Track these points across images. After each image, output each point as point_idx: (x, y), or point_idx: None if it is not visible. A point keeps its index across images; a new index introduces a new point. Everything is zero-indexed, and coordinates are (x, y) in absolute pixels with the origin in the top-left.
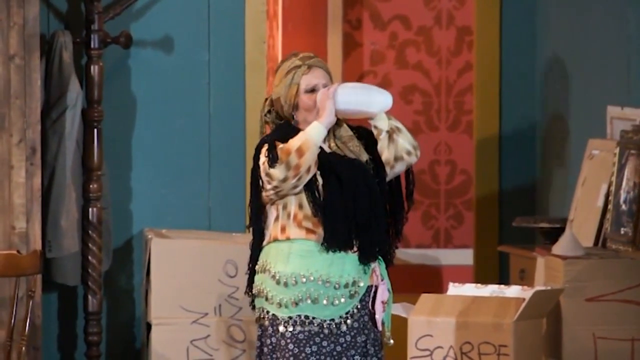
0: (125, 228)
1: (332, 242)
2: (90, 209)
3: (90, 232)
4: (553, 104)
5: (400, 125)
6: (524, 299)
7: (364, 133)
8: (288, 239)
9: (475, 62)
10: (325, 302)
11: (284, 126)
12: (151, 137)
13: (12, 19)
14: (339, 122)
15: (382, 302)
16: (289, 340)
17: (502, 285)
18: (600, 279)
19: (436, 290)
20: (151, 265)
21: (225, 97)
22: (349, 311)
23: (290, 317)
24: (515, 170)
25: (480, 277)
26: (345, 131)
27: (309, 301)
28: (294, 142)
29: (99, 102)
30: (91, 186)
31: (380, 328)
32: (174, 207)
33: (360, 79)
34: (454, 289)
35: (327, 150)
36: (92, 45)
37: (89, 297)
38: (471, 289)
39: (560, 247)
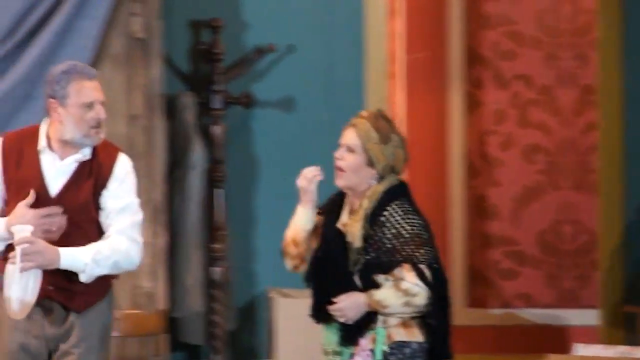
0: (248, 287)
1: (311, 314)
2: (214, 269)
3: (214, 291)
4: None
5: (387, 307)
6: None
7: (381, 225)
8: None
9: (599, 121)
10: None
11: None
12: (273, 196)
13: (135, 80)
14: (369, 196)
15: None
16: None
17: (631, 347)
18: None
19: (561, 351)
20: (275, 325)
21: None
22: None
23: None
24: None
25: (607, 337)
26: (364, 210)
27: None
28: (288, 232)
29: (221, 162)
30: (215, 245)
31: None
32: None
33: (482, 137)
34: (581, 350)
35: (340, 222)
36: (214, 106)
37: (214, 356)
38: (598, 350)
39: None
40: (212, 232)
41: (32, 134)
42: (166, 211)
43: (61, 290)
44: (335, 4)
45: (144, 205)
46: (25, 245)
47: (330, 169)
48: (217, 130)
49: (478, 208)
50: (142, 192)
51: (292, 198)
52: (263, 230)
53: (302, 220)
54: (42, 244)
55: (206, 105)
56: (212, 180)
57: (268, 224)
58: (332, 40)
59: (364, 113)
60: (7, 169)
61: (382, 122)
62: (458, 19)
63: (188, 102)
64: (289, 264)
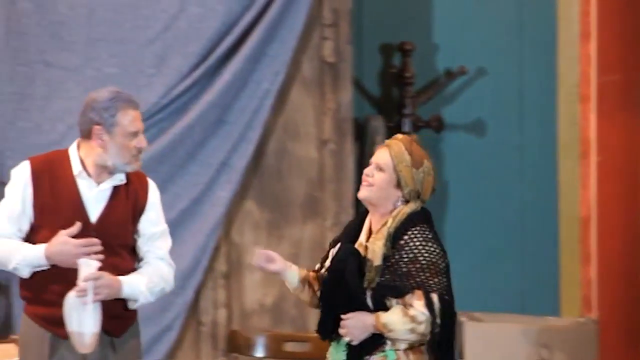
0: None
1: (317, 329)
2: None
3: None
4: None
5: (392, 331)
6: None
7: (400, 248)
8: None
9: None
10: None
11: None
12: (463, 220)
13: (326, 105)
14: (394, 216)
15: None
16: None
17: None
18: None
19: None
20: (465, 348)
21: (538, 180)
22: None
23: None
24: None
25: None
26: (387, 229)
27: None
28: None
29: None
30: None
31: None
32: (487, 289)
33: None
34: None
35: (359, 242)
36: (404, 129)
37: None
38: None
39: None
40: None
41: (62, 158)
42: None
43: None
44: (528, 26)
45: (334, 228)
46: (95, 280)
47: (517, 193)
48: None
49: None
50: (332, 215)
51: (480, 221)
52: (452, 253)
53: (290, 282)
54: (109, 277)
55: (396, 129)
56: None
57: (457, 247)
58: (523, 62)
59: (399, 136)
60: (39, 193)
61: (416, 147)
62: None
63: (378, 126)
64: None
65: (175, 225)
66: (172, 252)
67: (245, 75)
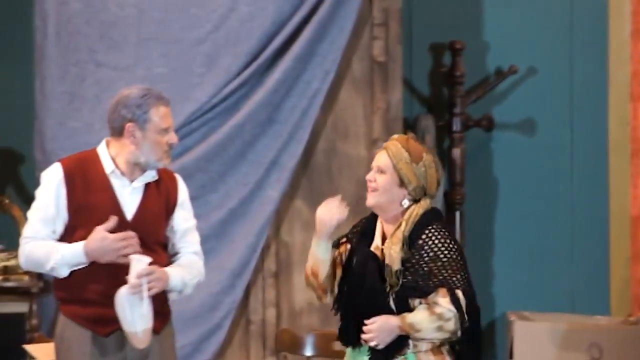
0: (487, 311)
1: (339, 337)
2: None
3: None
4: None
5: (420, 330)
6: None
7: (419, 248)
8: None
9: None
10: None
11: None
12: (513, 219)
13: (375, 104)
14: (406, 219)
15: None
16: None
17: None
18: None
19: None
20: (514, 348)
21: (588, 179)
22: None
23: None
24: None
25: None
26: (402, 232)
27: None
28: (307, 263)
29: (461, 184)
30: None
31: None
32: (536, 289)
33: None
34: None
35: (373, 247)
36: (454, 128)
37: None
38: None
39: None
40: None
41: (92, 158)
42: None
43: None
44: (578, 25)
45: None
46: (148, 275)
47: (567, 192)
48: (456, 152)
49: None
50: None
51: (530, 220)
52: (502, 252)
53: (320, 252)
54: (159, 270)
55: (446, 128)
56: (451, 203)
57: (507, 246)
58: (574, 61)
59: (395, 136)
60: (73, 194)
61: (413, 143)
62: None
63: (428, 125)
64: (315, 294)
65: (225, 224)
66: (222, 252)
67: (295, 74)
